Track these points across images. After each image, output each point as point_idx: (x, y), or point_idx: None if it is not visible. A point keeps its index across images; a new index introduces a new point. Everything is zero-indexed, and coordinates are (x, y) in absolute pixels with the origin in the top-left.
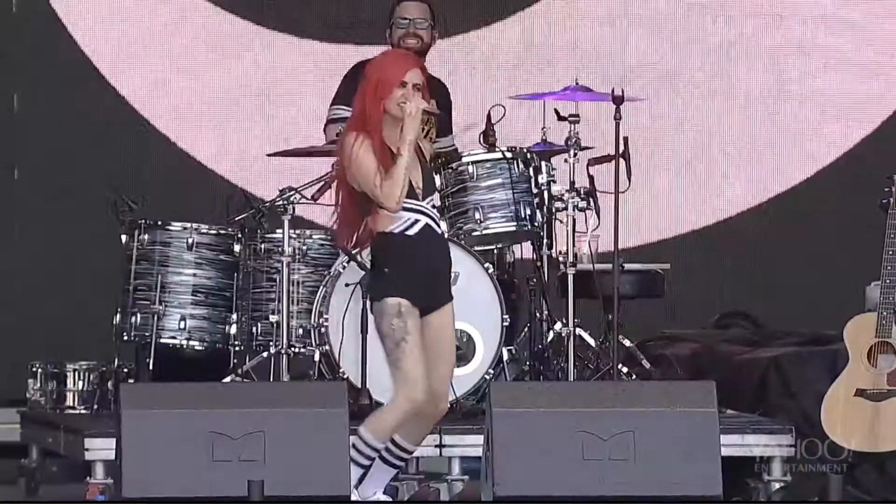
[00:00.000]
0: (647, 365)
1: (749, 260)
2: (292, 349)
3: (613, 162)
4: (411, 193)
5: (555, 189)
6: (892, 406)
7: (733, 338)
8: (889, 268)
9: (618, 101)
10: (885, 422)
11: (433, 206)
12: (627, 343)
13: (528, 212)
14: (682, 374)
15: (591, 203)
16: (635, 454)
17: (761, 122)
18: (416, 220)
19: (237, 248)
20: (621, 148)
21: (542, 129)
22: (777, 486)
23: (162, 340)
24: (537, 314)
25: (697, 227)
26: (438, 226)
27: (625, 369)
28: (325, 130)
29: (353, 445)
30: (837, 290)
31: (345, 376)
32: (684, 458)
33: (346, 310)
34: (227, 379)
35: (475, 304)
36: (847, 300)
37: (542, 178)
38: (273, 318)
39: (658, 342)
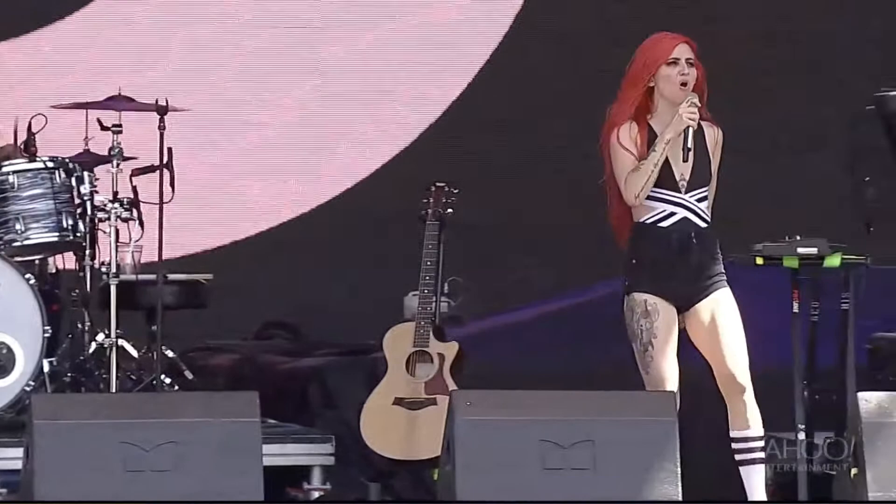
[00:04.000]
0: (189, 375)
1: (291, 270)
2: None
3: (157, 172)
4: (671, 184)
5: (98, 199)
6: (429, 415)
7: (275, 348)
8: (427, 278)
9: (161, 111)
10: (423, 430)
11: (701, 200)
12: (170, 354)
13: (71, 222)
14: (224, 384)
15: (135, 213)
16: (178, 465)
17: (307, 135)
18: (673, 213)
19: None
20: (165, 158)
21: (85, 139)
22: (317, 494)
23: None
24: (79, 325)
25: (239, 237)
26: (702, 219)
27: (168, 380)
28: None
29: None
30: (376, 300)
31: None
32: (226, 468)
33: None
34: None
35: (15, 315)
36: (386, 310)
37: (85, 189)
38: None
39: (201, 353)
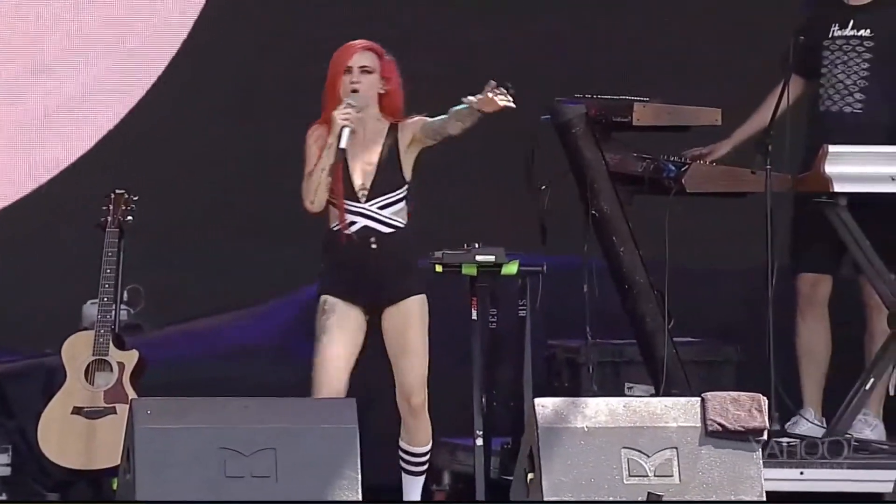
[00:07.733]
0: None
1: None
2: None
3: None
4: (349, 193)
5: None
6: (107, 424)
7: None
8: (106, 286)
9: None
10: (102, 439)
11: (386, 206)
12: None
13: None
14: None
15: None
16: None
17: None
18: (353, 222)
19: None
20: None
21: None
22: None
23: None
24: None
25: None
26: (387, 225)
27: None
28: None
29: None
30: (54, 308)
31: None
32: None
33: None
34: None
35: None
36: (64, 317)
37: None
38: None
39: None
